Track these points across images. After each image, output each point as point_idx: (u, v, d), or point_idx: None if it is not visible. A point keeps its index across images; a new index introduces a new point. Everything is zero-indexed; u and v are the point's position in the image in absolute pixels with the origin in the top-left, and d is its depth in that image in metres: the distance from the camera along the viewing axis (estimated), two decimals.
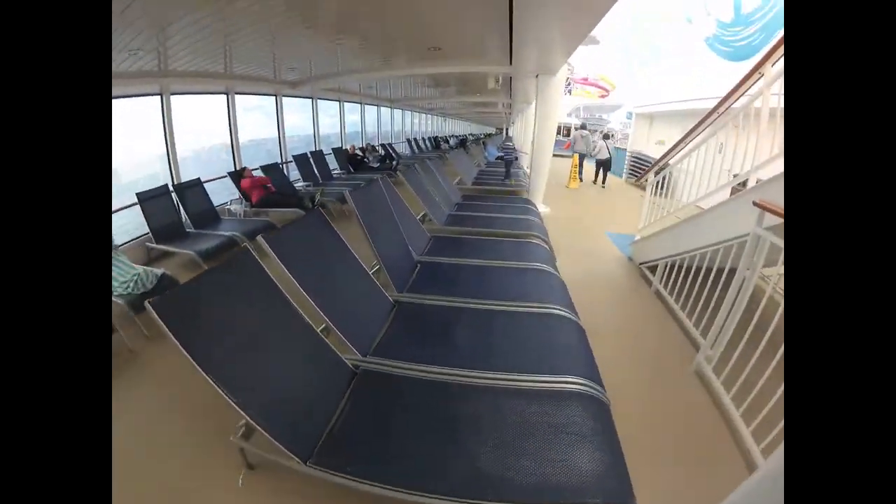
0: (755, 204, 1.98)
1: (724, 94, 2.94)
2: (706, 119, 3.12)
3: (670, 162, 3.88)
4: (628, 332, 2.89)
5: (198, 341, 1.33)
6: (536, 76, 5.18)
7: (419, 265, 3.03)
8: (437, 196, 4.68)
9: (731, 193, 2.70)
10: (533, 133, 6.03)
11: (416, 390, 1.75)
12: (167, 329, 1.26)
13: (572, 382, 1.72)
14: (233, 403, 1.32)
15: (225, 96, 5.58)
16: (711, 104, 3.15)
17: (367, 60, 5.07)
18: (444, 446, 1.47)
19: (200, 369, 1.28)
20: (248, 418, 1.34)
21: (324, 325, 1.95)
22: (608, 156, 9.49)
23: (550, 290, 2.66)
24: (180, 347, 1.27)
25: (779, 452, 0.90)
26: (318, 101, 7.98)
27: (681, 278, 2.94)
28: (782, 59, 2.32)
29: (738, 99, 2.77)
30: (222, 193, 5.33)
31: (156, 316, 1.26)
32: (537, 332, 2.15)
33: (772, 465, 0.93)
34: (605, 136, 13.05)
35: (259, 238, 1.92)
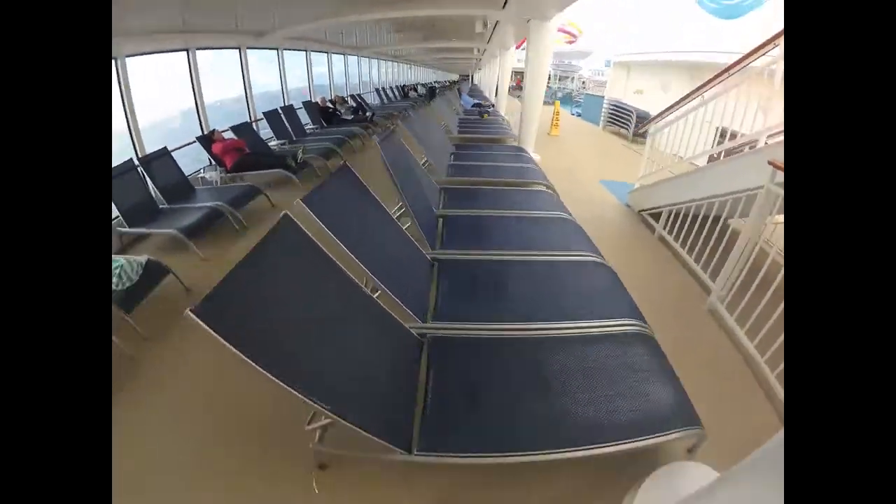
0: (770, 163, 2.13)
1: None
2: (717, 77, 3.17)
3: (673, 116, 3.94)
4: (639, 275, 3.03)
5: (257, 343, 1.10)
6: (528, 21, 4.98)
7: (441, 219, 2.98)
8: (435, 145, 4.55)
9: (725, 154, 2.83)
10: (524, 80, 5.88)
11: (485, 350, 1.73)
12: (222, 339, 1.00)
13: (625, 324, 1.86)
14: (315, 404, 1.12)
15: (185, 53, 5.00)
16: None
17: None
18: (535, 402, 1.49)
19: (270, 375, 1.05)
20: (336, 417, 1.16)
21: (378, 293, 1.81)
22: None
23: (575, 237, 2.77)
24: (241, 356, 1.02)
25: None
26: (284, 52, 7.37)
27: (687, 225, 3.12)
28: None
29: (750, 63, 2.84)
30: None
31: (204, 326, 0.97)
32: (577, 279, 2.26)
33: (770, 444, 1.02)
34: None
35: (297, 202, 1.69)
